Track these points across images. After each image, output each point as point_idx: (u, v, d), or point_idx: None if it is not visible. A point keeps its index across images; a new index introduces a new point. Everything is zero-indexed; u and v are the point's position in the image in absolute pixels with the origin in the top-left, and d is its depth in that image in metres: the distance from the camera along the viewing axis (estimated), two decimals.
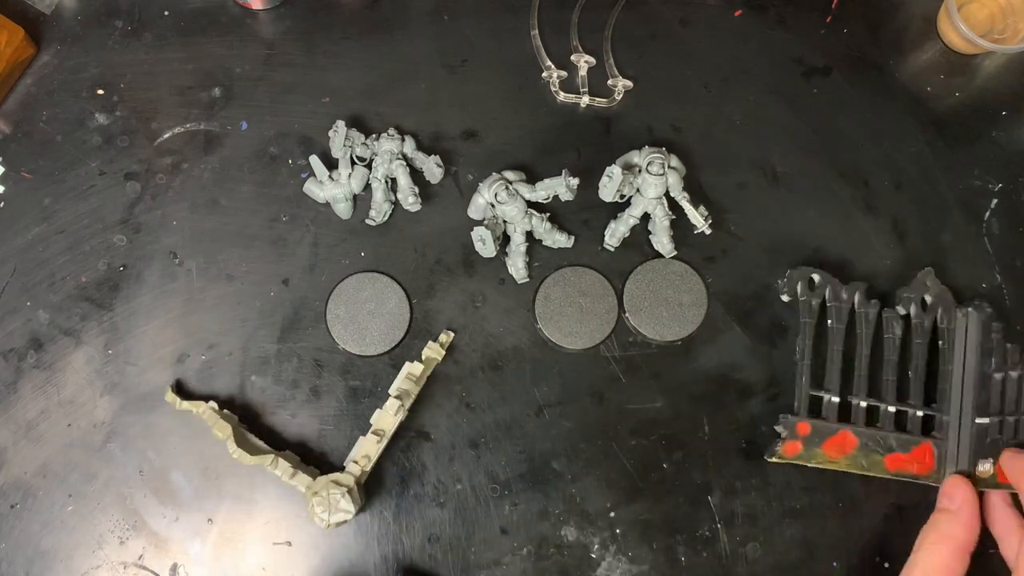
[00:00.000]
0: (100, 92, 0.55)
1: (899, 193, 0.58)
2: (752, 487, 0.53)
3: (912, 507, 0.54)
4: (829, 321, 0.54)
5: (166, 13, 0.57)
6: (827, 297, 0.54)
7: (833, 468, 0.52)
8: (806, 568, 0.52)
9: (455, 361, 0.53)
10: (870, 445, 0.52)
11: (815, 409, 0.53)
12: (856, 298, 0.54)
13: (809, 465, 0.52)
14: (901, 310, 0.54)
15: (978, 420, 0.53)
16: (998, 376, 0.53)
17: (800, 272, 0.54)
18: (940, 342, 0.54)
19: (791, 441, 0.52)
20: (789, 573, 0.52)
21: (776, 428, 0.52)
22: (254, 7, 0.57)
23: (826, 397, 0.53)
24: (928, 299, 0.54)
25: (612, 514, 0.52)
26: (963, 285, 0.57)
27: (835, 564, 0.53)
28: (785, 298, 0.54)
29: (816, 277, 0.54)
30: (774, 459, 0.52)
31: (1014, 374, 0.53)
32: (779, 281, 0.55)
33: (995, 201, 0.58)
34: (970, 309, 0.54)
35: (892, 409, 0.53)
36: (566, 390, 0.53)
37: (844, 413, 0.53)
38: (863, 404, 0.53)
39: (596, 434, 0.53)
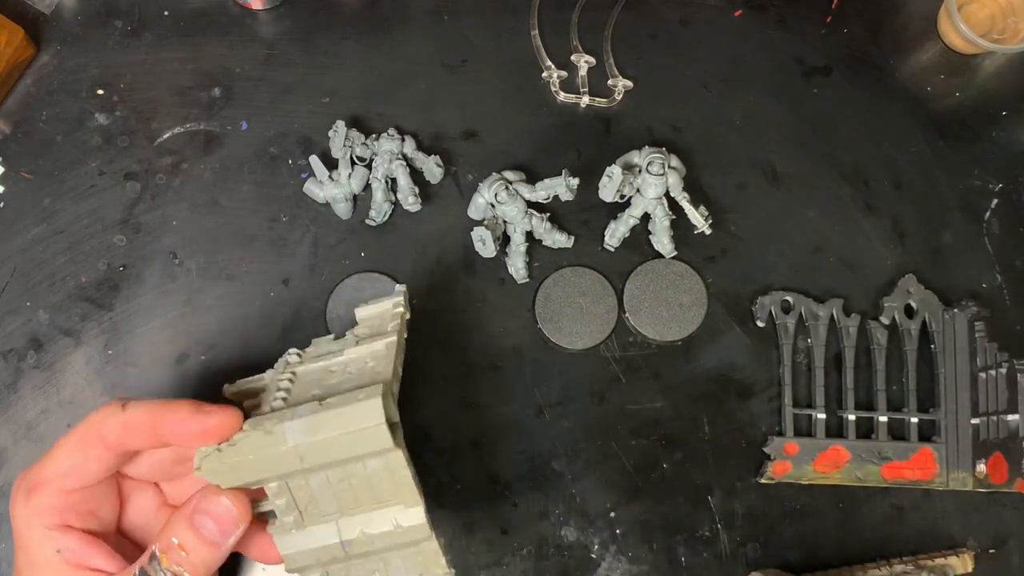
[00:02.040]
0: (100, 92, 0.55)
1: (899, 193, 0.58)
2: (752, 487, 0.53)
3: (912, 507, 0.54)
4: (808, 340, 0.54)
5: (166, 13, 0.57)
6: (803, 316, 0.54)
7: (827, 483, 0.52)
8: (806, 568, 0.52)
9: (455, 361, 0.53)
10: (864, 456, 0.52)
11: (805, 428, 0.54)
12: (834, 313, 0.54)
13: (803, 482, 0.52)
14: (885, 319, 0.55)
15: (972, 420, 0.53)
16: (983, 375, 0.53)
17: (771, 298, 0.55)
18: (932, 346, 0.54)
19: (780, 461, 0.52)
20: (789, 573, 0.52)
21: (764, 450, 0.53)
22: (254, 7, 0.57)
23: (813, 414, 0.53)
24: (913, 305, 0.55)
25: (612, 514, 0.52)
26: (963, 285, 0.57)
27: (835, 564, 0.53)
28: (760, 323, 0.55)
29: (789, 299, 0.54)
30: (764, 480, 0.52)
31: (995, 373, 0.53)
32: (752, 307, 0.55)
33: (995, 201, 0.58)
34: (955, 310, 0.54)
35: (884, 419, 0.53)
36: (566, 390, 0.53)
37: (838, 428, 0.54)
38: (851, 417, 0.53)
39: (596, 434, 0.53)
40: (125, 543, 0.41)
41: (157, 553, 0.36)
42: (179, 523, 0.37)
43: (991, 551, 0.53)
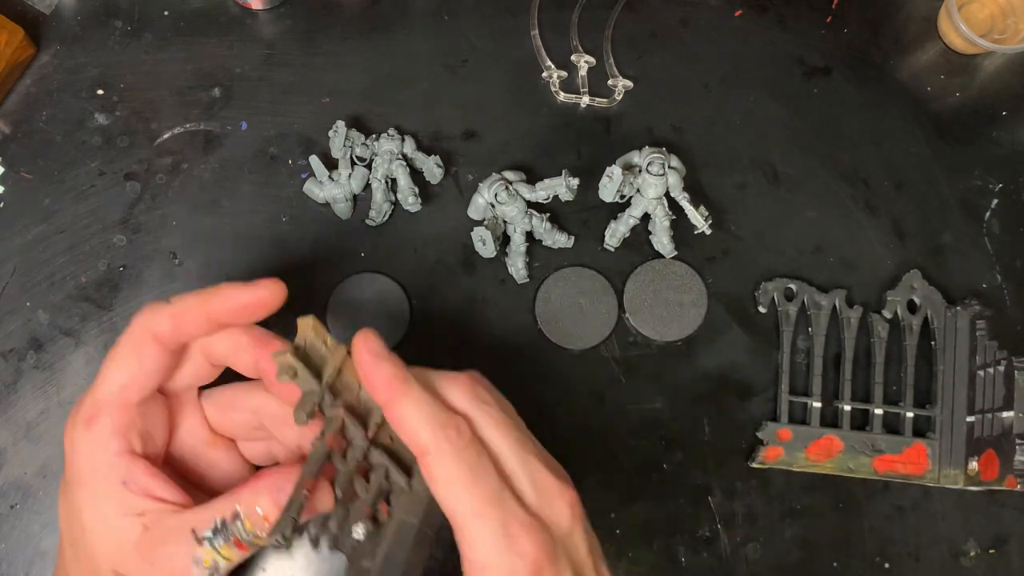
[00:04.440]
0: (100, 92, 0.55)
1: (899, 193, 0.58)
2: (752, 487, 0.53)
3: (912, 507, 0.54)
4: (809, 329, 0.54)
5: (166, 13, 0.57)
6: (805, 305, 0.54)
7: (818, 471, 0.52)
8: (806, 568, 0.52)
9: (455, 361, 0.53)
10: (857, 447, 0.52)
11: (800, 415, 0.54)
12: (836, 304, 0.54)
13: (793, 469, 0.52)
14: (887, 313, 0.55)
15: (967, 418, 0.53)
16: (982, 373, 0.53)
17: (775, 284, 0.55)
18: (932, 342, 0.54)
19: (773, 447, 0.52)
20: (789, 573, 0.52)
21: (758, 434, 0.53)
22: (254, 7, 0.57)
23: (809, 403, 0.53)
24: (917, 300, 0.55)
25: (612, 514, 0.52)
26: (963, 285, 0.57)
27: (835, 564, 0.53)
28: (762, 309, 0.55)
29: (793, 287, 0.55)
30: (756, 464, 0.52)
31: (992, 371, 0.53)
32: (755, 293, 0.55)
33: (995, 201, 0.58)
34: (958, 308, 0.54)
35: (879, 411, 0.53)
36: (566, 390, 0.53)
37: (833, 418, 0.54)
38: (847, 408, 0.53)
39: (596, 434, 0.53)
40: (171, 471, 0.40)
41: (241, 515, 0.36)
42: (264, 496, 0.36)
43: (991, 551, 0.53)
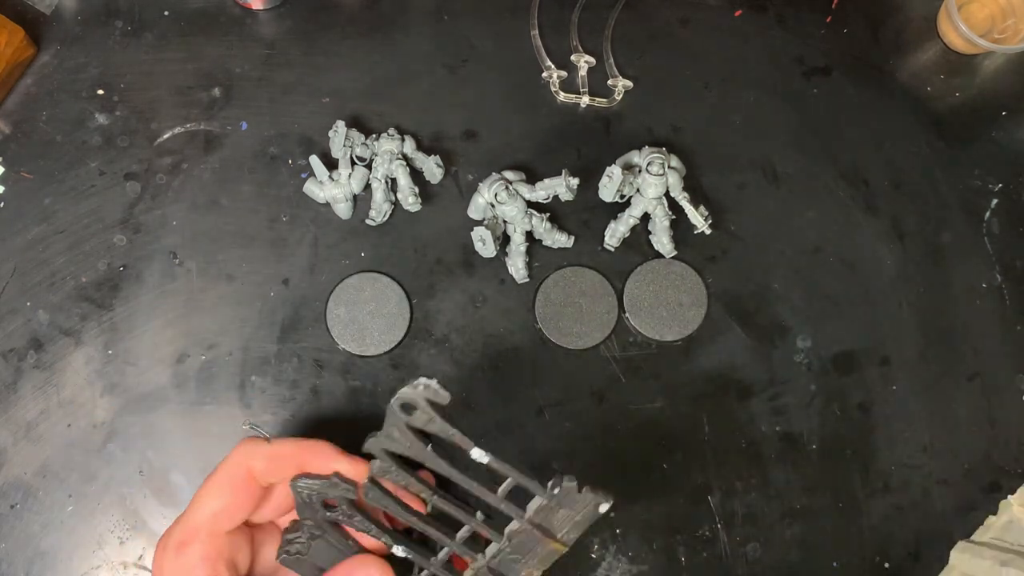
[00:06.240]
0: (100, 92, 0.55)
1: (899, 193, 0.58)
2: (752, 487, 0.53)
3: (912, 507, 0.54)
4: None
5: (166, 13, 0.57)
6: None
7: None
8: (806, 568, 0.52)
9: (455, 361, 0.53)
10: None
11: None
12: None
13: None
14: None
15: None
16: None
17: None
18: None
19: None
20: (789, 573, 0.52)
21: None
22: (254, 7, 0.57)
23: None
24: None
25: (612, 514, 0.52)
26: (963, 285, 0.57)
27: (835, 564, 0.53)
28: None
29: None
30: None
31: None
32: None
33: (995, 201, 0.58)
34: None
35: None
36: (566, 390, 0.53)
37: None
38: None
39: (596, 434, 0.53)
40: None
41: None
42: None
43: None
